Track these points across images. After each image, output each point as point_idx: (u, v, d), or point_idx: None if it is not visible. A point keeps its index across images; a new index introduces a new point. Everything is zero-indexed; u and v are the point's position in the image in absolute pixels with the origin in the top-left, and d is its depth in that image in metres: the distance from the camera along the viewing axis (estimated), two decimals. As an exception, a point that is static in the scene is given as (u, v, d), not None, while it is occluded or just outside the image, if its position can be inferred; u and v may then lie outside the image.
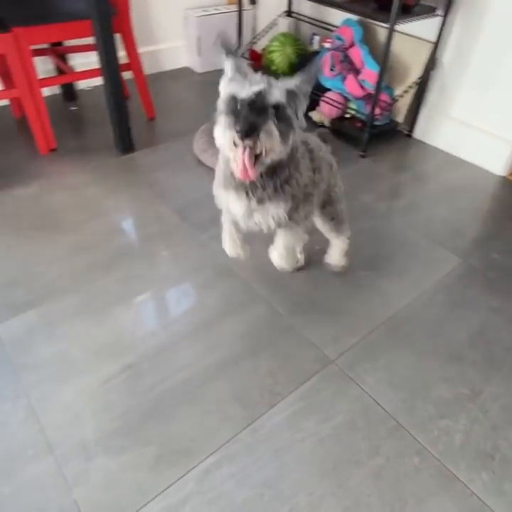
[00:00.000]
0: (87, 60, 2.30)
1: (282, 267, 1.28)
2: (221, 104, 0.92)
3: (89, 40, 1.84)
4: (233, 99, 0.89)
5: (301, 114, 0.97)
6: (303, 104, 0.96)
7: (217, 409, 1.15)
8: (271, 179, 1.03)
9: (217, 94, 0.98)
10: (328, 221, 1.39)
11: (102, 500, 0.98)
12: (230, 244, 1.30)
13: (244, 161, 0.90)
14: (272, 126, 0.87)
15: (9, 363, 1.22)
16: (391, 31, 1.84)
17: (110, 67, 1.84)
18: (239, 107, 0.87)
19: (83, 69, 2.14)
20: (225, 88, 0.93)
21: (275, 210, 1.08)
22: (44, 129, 2.00)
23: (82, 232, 1.65)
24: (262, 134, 0.86)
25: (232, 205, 1.11)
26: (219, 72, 0.98)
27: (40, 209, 1.74)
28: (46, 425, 1.09)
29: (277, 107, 0.88)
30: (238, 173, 0.94)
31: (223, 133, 0.90)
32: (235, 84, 0.90)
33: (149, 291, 1.46)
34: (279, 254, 1.24)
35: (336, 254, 1.51)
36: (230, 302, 1.44)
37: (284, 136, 0.91)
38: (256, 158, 0.92)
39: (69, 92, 2.49)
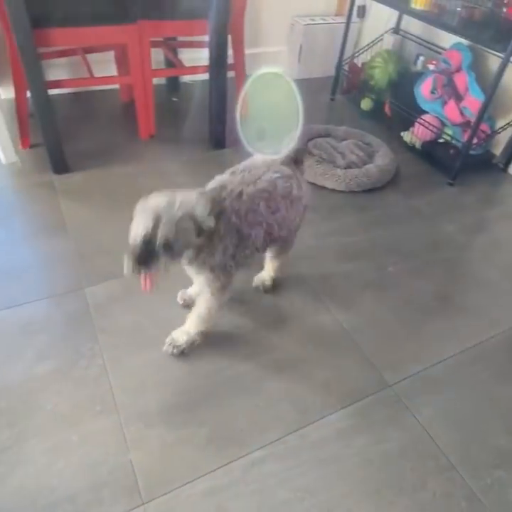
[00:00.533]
0: (195, 56, 2.43)
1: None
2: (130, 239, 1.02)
3: (202, 37, 1.95)
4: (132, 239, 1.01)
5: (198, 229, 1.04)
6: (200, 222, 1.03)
7: (270, 407, 1.19)
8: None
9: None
10: (276, 255, 1.42)
11: (154, 467, 1.05)
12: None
13: (143, 279, 1.03)
14: (160, 264, 1.00)
15: (91, 324, 1.34)
16: (506, 62, 1.78)
17: (218, 66, 1.94)
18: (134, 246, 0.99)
19: (191, 64, 2.27)
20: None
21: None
22: (148, 116, 2.15)
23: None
24: (154, 268, 1.00)
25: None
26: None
27: (134, 188, 1.88)
28: (115, 386, 1.19)
29: (165, 244, 0.98)
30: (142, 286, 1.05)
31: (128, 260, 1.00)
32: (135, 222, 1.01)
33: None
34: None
35: (267, 273, 1.50)
36: (297, 306, 1.47)
37: (177, 257, 1.04)
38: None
39: (173, 84, 2.65)
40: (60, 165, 1.90)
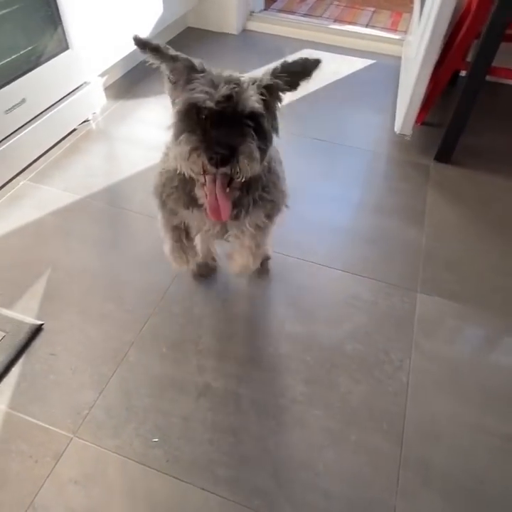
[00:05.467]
0: None
1: (249, 269, 1.09)
2: (178, 114, 0.71)
3: None
4: (195, 109, 0.68)
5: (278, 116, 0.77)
6: (280, 100, 0.77)
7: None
8: (246, 194, 0.85)
9: None
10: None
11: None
12: (178, 255, 1.04)
13: (217, 195, 0.74)
14: (251, 148, 0.69)
15: (409, 334, 1.21)
16: None
17: None
18: (205, 120, 0.68)
19: None
20: (179, 94, 0.72)
21: (254, 220, 0.93)
22: None
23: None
24: (241, 158, 0.68)
25: (197, 223, 0.95)
26: None
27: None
28: (409, 417, 1.05)
29: (253, 116, 0.69)
30: (209, 211, 0.78)
31: (188, 157, 0.69)
32: (195, 87, 0.69)
33: None
34: (252, 255, 1.04)
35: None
36: None
37: (262, 153, 0.73)
38: (229, 182, 0.76)
39: None
40: (444, 154, 1.75)
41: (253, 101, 0.68)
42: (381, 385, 1.10)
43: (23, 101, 1.50)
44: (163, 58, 0.75)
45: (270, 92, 0.73)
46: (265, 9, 2.82)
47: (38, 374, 1.08)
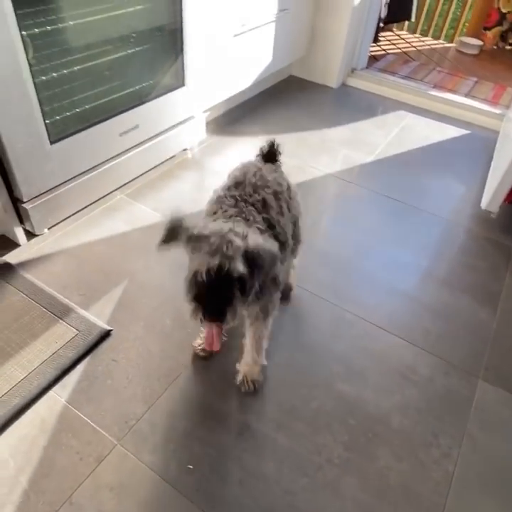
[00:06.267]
0: None
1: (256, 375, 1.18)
2: (188, 275, 0.87)
3: None
4: (197, 275, 0.84)
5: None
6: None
7: None
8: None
9: None
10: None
11: None
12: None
13: (211, 334, 0.95)
14: (237, 306, 0.85)
15: (463, 420, 1.15)
16: None
17: None
18: (203, 285, 0.83)
19: None
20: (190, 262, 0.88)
21: (250, 312, 1.07)
22: None
23: None
24: (229, 316, 0.85)
25: None
26: None
27: None
28: (448, 507, 0.99)
29: (240, 279, 0.83)
30: (205, 342, 1.02)
31: (191, 309, 0.88)
32: (197, 258, 0.85)
33: None
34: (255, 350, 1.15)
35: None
36: None
37: (246, 298, 0.88)
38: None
39: None
40: (531, 237, 1.68)
41: (238, 269, 0.82)
42: (424, 468, 1.06)
43: (137, 127, 1.68)
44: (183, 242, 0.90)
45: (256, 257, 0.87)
46: (367, 67, 2.93)
47: (99, 376, 1.17)
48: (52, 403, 1.10)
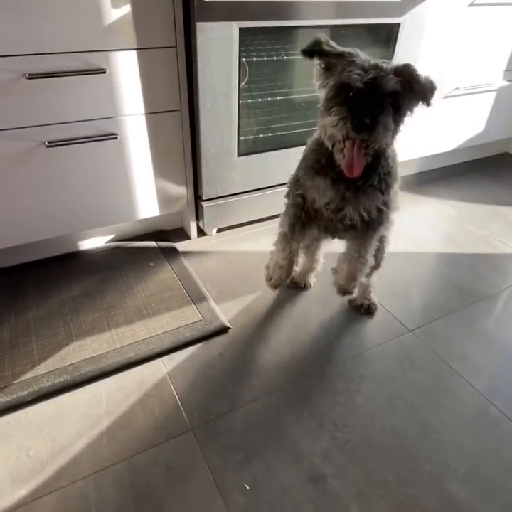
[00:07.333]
0: None
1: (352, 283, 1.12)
2: (330, 92, 0.87)
3: None
4: (346, 88, 0.83)
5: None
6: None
7: None
8: (373, 171, 0.96)
9: None
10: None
11: None
12: (282, 248, 1.15)
13: (354, 155, 0.88)
14: (389, 121, 0.83)
15: None
16: None
17: None
18: (353, 97, 0.83)
19: None
20: (330, 77, 0.88)
21: (369, 203, 1.00)
22: None
23: None
24: (379, 127, 0.82)
25: (320, 193, 1.01)
26: None
27: None
28: None
29: (392, 95, 0.83)
30: (344, 166, 0.91)
31: (336, 124, 0.84)
32: (351, 70, 0.83)
33: None
34: (356, 263, 1.08)
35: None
36: None
37: (396, 126, 0.87)
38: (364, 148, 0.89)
39: None
40: None
41: (393, 83, 0.82)
42: None
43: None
44: (327, 56, 0.89)
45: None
46: None
47: (202, 363, 1.20)
48: (156, 369, 1.17)
